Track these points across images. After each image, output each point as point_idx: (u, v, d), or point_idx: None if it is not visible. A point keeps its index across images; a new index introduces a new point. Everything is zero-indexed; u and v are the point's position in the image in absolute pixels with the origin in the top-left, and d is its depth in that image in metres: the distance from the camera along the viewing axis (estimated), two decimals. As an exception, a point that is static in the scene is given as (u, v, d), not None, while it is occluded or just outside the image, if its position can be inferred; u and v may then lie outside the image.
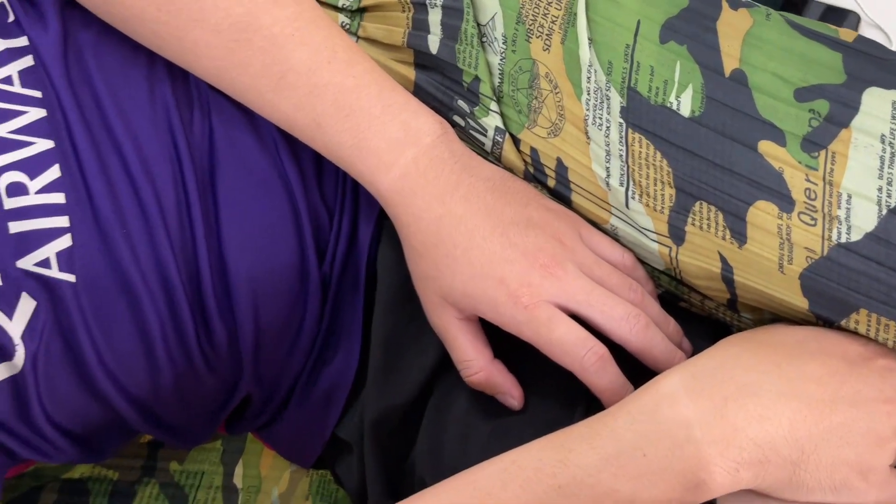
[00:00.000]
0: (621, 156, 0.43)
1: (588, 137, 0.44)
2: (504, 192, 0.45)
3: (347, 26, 0.51)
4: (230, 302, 0.47)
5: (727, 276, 0.43)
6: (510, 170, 0.48)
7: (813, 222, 0.39)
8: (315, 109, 0.44)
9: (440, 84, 0.48)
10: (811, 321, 0.42)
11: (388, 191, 0.44)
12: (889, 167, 0.37)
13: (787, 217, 0.39)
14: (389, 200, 0.45)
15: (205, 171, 0.47)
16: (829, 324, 0.41)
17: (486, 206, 0.44)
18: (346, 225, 0.50)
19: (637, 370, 0.44)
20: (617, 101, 0.43)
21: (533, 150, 0.47)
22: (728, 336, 0.42)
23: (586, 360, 0.41)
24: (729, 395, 0.37)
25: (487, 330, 0.46)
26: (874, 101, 0.38)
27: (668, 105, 0.41)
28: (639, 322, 0.42)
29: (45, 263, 0.42)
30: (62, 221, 0.42)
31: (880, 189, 0.38)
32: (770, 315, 0.45)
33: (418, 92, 0.49)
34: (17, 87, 0.44)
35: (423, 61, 0.49)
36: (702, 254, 0.43)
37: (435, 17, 0.48)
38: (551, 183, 0.47)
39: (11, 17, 0.45)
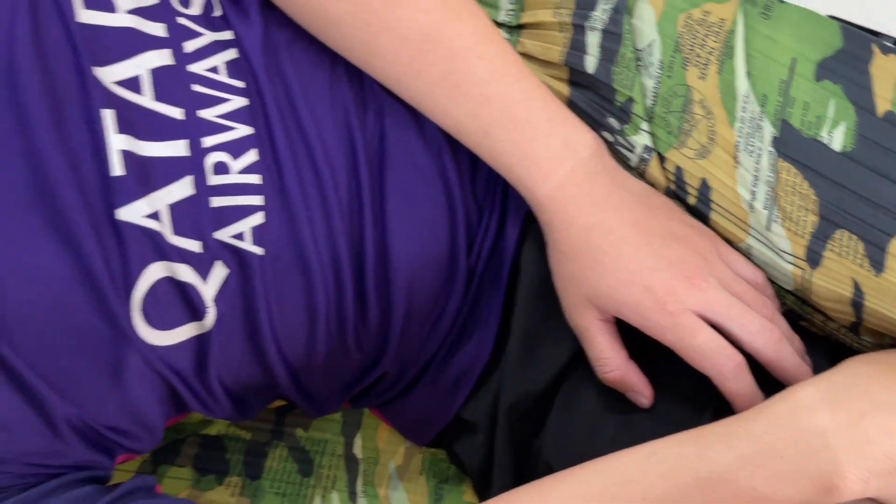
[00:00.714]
0: (769, 182, 0.46)
1: (737, 162, 0.47)
2: (650, 205, 0.49)
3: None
4: (387, 285, 0.52)
5: (857, 301, 0.46)
6: (652, 185, 0.52)
7: None
8: (485, 118, 0.49)
9: (592, 101, 0.52)
10: (936, 349, 0.45)
11: (545, 197, 0.49)
12: None
13: None
14: (544, 206, 0.49)
15: (374, 166, 0.51)
16: None
17: (634, 218, 0.48)
18: (494, 224, 0.54)
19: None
20: (769, 131, 0.46)
21: (678, 168, 0.50)
22: (854, 356, 0.45)
23: (725, 366, 0.45)
24: (864, 409, 0.40)
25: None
26: None
27: (820, 139, 0.45)
28: (773, 336, 0.46)
29: (239, 237, 0.47)
30: (258, 200, 0.47)
31: None
32: (890, 340, 0.48)
33: (571, 107, 0.53)
34: (223, 77, 0.48)
35: (577, 79, 0.53)
36: (835, 278, 0.46)
37: (593, 40, 0.52)
38: (692, 200, 0.51)
39: (219, 12, 0.50)
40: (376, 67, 0.50)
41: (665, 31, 0.50)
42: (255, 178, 0.47)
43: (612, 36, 0.51)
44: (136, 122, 0.45)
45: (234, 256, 0.47)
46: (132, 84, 0.45)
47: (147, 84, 0.46)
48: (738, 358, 0.45)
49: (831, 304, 0.47)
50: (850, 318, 0.48)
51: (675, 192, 0.51)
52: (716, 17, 0.49)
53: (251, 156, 0.48)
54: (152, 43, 0.47)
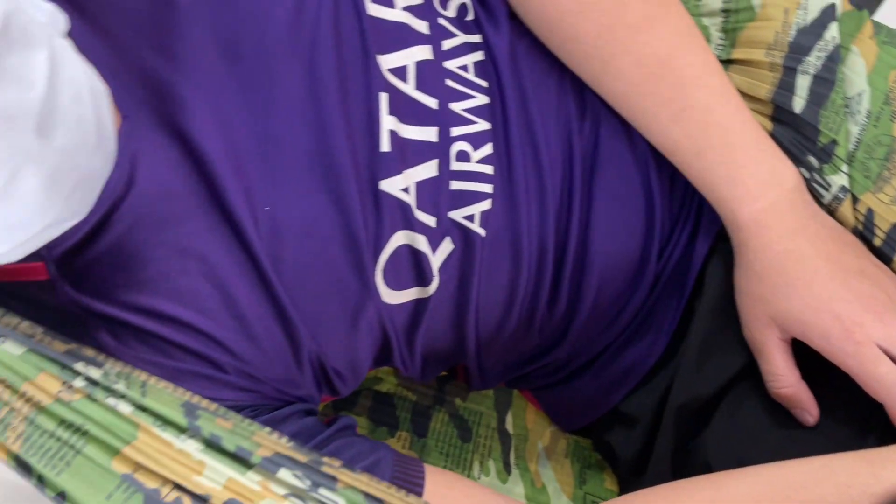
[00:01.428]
0: (964, 235, 0.50)
1: (931, 213, 0.51)
2: (842, 242, 0.53)
3: (716, 72, 0.60)
4: (581, 278, 0.57)
5: None
6: (840, 223, 0.56)
7: None
8: (701, 141, 0.53)
9: (795, 139, 0.57)
10: None
11: (747, 219, 0.53)
12: None
13: None
14: (745, 227, 0.53)
15: (587, 170, 0.56)
16: None
17: (827, 251, 0.52)
18: (685, 237, 0.59)
19: None
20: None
21: (869, 210, 0.54)
22: None
23: (903, 398, 0.49)
24: None
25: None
26: None
27: None
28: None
29: (469, 218, 0.53)
30: (488, 188, 0.53)
31: None
32: None
33: (772, 141, 0.57)
34: (471, 75, 0.54)
35: (781, 116, 0.57)
36: None
37: (803, 83, 0.56)
38: (878, 242, 0.54)
39: (471, 17, 0.56)
40: (605, 84, 0.55)
41: (876, 84, 0.54)
42: (488, 169, 0.53)
43: (825, 82, 0.55)
44: (401, 106, 0.51)
45: (462, 234, 0.53)
46: (400, 73, 0.52)
47: (412, 74, 0.52)
48: (916, 392, 0.49)
49: None
50: None
51: (862, 233, 0.55)
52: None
53: (487, 148, 0.53)
54: (418, 38, 0.53)
